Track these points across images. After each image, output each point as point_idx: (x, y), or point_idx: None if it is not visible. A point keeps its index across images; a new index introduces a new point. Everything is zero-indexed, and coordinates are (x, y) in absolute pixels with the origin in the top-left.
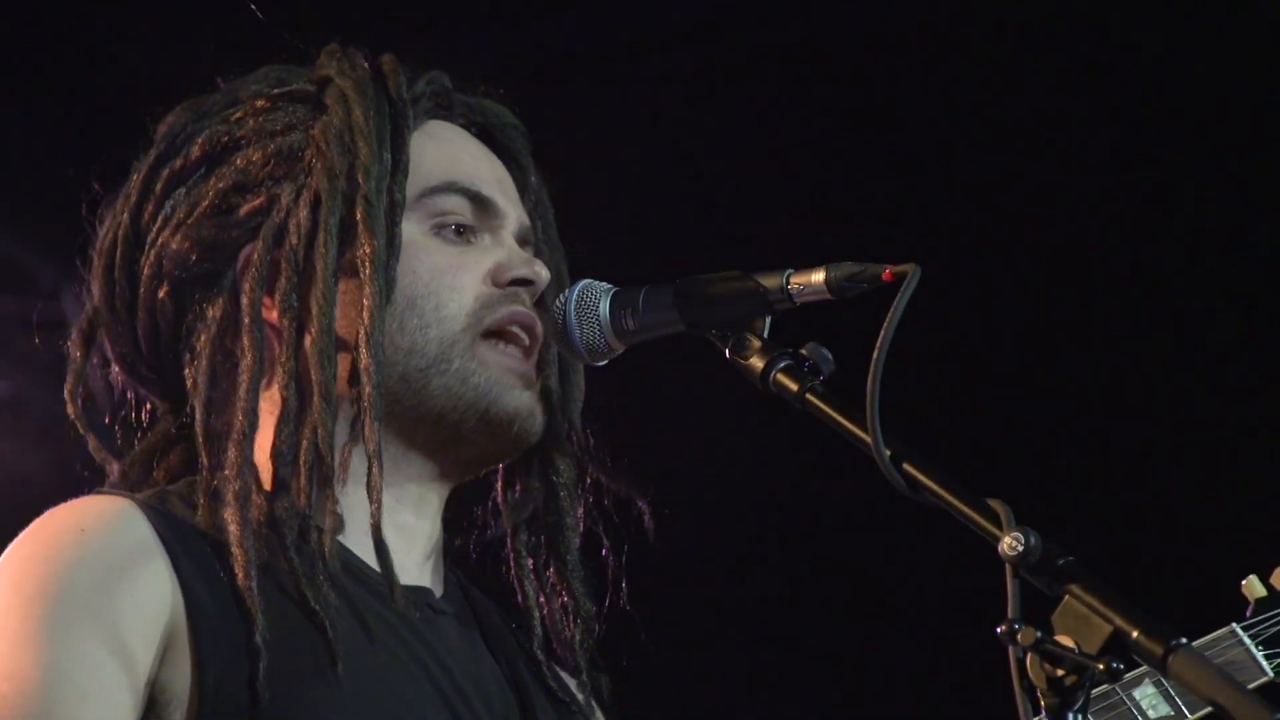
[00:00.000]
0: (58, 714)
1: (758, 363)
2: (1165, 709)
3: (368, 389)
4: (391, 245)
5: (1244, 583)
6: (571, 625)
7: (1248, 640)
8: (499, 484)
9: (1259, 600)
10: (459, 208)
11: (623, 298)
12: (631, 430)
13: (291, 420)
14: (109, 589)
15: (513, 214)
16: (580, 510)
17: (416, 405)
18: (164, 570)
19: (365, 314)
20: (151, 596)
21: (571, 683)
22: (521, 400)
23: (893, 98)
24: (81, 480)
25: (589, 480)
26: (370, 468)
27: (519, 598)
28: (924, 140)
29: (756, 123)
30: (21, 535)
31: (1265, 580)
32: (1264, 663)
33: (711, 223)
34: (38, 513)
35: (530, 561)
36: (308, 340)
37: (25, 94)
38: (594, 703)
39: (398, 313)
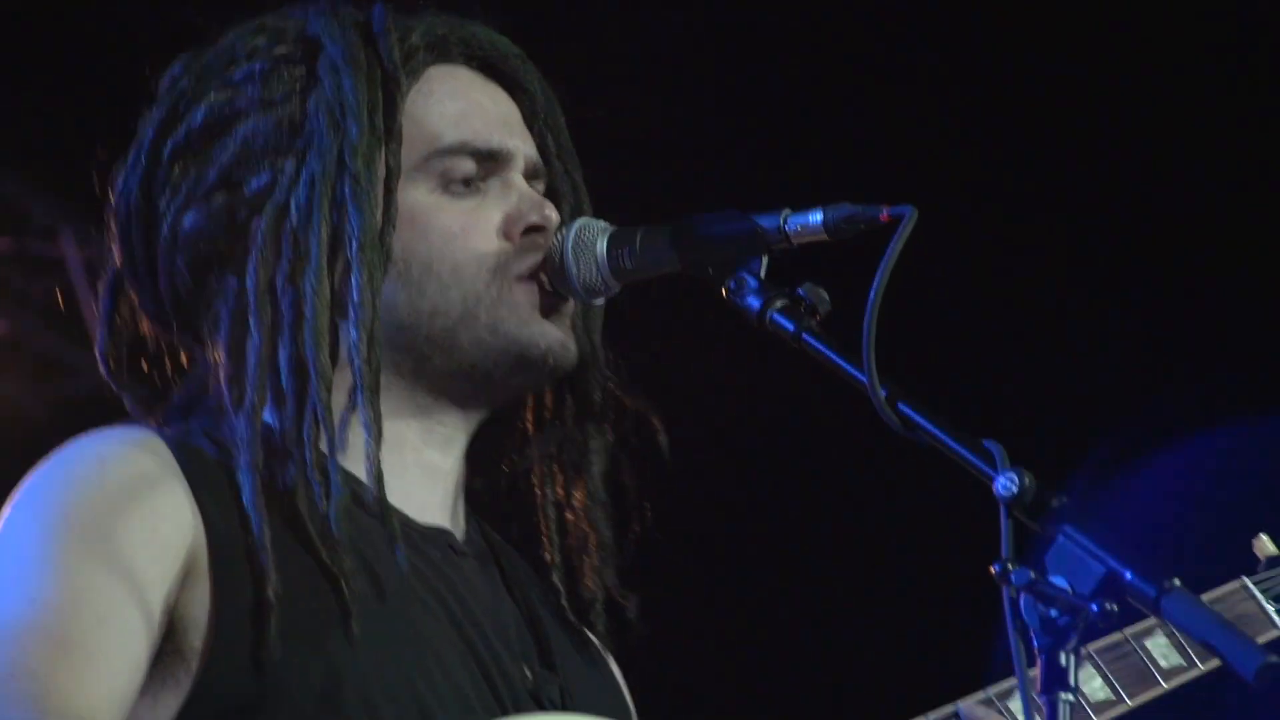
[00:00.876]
0: (76, 637)
1: (754, 302)
2: (1177, 659)
3: (358, 363)
4: (388, 215)
5: (1255, 541)
6: (593, 552)
7: (1259, 594)
8: (528, 413)
9: (1270, 558)
10: (466, 165)
11: (620, 237)
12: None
13: (296, 394)
14: (128, 515)
15: (520, 152)
16: (607, 435)
17: (447, 361)
18: (184, 498)
19: (354, 291)
20: (170, 523)
21: (587, 619)
22: (553, 335)
23: (892, 40)
24: (77, 417)
25: (611, 404)
26: (368, 442)
27: (540, 528)
28: (924, 83)
29: (756, 64)
30: (42, 463)
31: (1277, 540)
32: (1275, 616)
33: (709, 164)
34: (33, 449)
35: (552, 490)
36: (303, 321)
37: (21, 35)
38: (607, 637)
39: (414, 279)
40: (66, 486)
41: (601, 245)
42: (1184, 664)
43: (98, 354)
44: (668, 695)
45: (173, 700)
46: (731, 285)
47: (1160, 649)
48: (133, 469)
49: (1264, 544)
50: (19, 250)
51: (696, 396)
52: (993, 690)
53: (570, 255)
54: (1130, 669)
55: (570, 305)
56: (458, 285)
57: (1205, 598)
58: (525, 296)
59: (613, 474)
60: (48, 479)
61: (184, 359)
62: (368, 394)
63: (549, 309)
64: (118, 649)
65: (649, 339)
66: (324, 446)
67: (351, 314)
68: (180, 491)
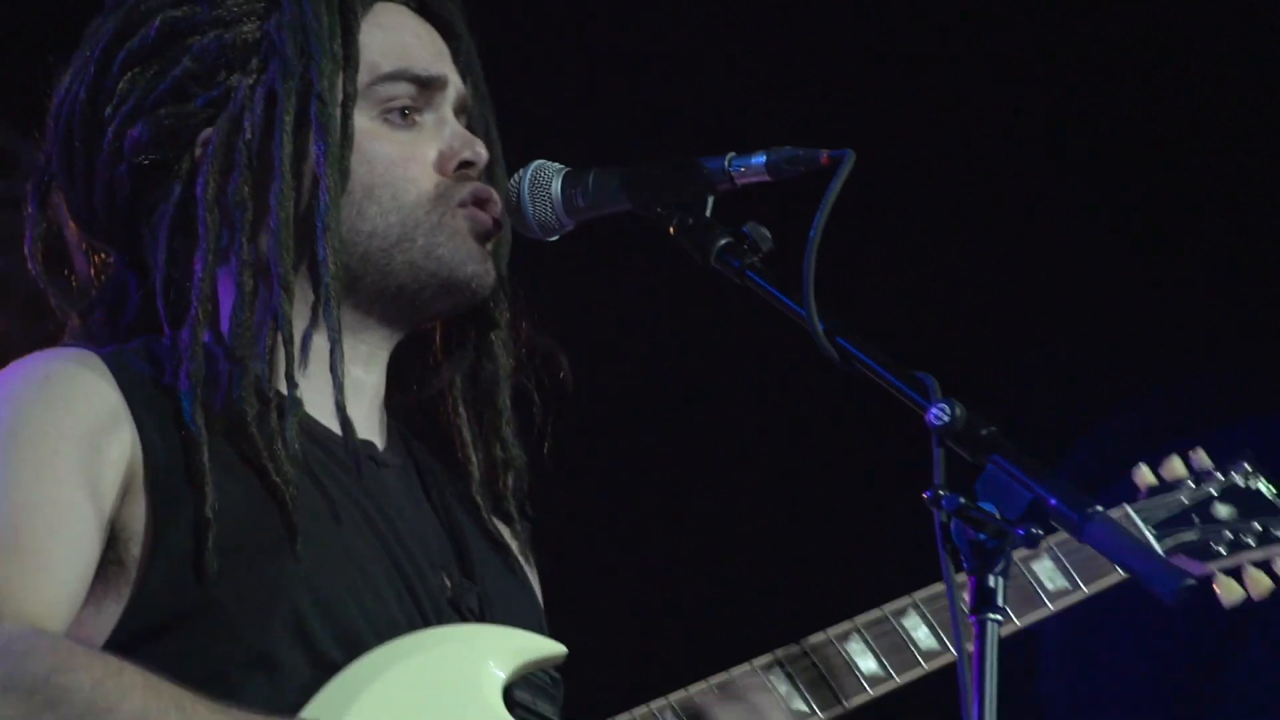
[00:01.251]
0: (29, 544)
1: (700, 240)
2: (1062, 582)
3: (325, 280)
4: (345, 138)
5: (1135, 471)
6: (504, 473)
7: (1140, 522)
8: (438, 338)
9: (1150, 488)
10: (405, 91)
11: (574, 178)
12: (573, 297)
13: (248, 305)
14: (72, 431)
15: (451, 84)
16: (513, 362)
17: (378, 280)
18: (124, 417)
19: (323, 208)
20: (112, 440)
21: (506, 530)
22: (479, 263)
23: None
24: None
25: (521, 335)
26: (332, 352)
27: (457, 446)
28: (864, 28)
29: (704, 10)
30: None
31: (1155, 470)
32: (1155, 545)
33: (662, 109)
34: None
35: (466, 411)
36: (266, 231)
37: None
38: (528, 548)
39: (355, 201)
40: (16, 406)
41: (556, 185)
42: (1069, 586)
43: (26, 250)
44: (598, 618)
45: (114, 608)
46: (678, 223)
47: (1047, 572)
48: (77, 388)
49: (1144, 474)
50: (8, 191)
51: (652, 327)
52: (758, 662)
53: (527, 195)
54: (1019, 591)
55: (494, 236)
56: (397, 211)
57: None
58: (465, 223)
59: (524, 398)
60: None
61: (99, 260)
62: (334, 309)
63: (482, 237)
64: (67, 557)
65: (598, 271)
66: (279, 360)
67: (320, 231)
68: (120, 410)
